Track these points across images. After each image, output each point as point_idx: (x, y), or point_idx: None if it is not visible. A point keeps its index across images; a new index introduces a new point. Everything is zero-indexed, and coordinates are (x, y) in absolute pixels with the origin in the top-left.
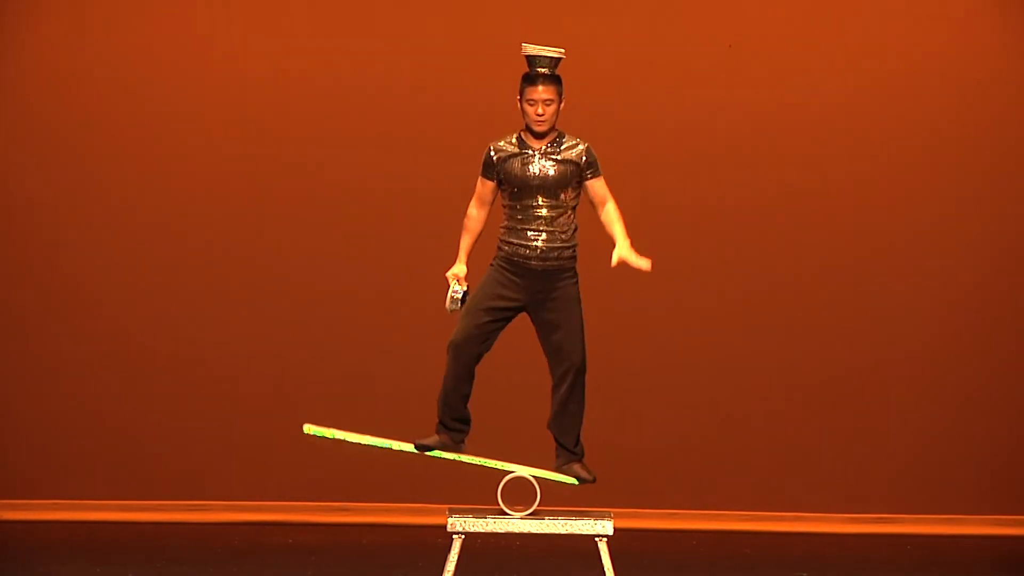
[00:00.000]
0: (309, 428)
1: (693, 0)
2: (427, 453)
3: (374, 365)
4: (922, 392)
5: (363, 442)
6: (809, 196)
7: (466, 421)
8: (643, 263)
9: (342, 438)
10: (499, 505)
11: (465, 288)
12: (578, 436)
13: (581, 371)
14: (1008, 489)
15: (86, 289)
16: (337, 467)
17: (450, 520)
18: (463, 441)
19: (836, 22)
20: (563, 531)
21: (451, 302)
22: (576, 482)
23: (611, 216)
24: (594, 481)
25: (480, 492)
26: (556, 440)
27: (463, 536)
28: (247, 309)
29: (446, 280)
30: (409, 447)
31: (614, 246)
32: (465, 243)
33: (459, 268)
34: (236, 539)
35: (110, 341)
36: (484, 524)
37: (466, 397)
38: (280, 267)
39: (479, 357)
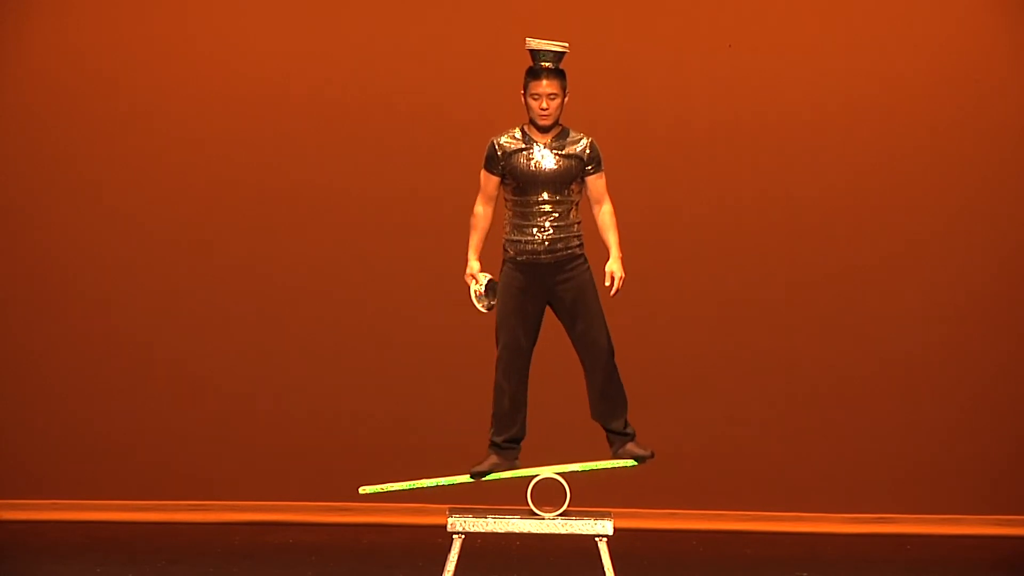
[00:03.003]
0: (364, 489)
1: (693, 0)
2: (484, 479)
3: (373, 366)
4: (922, 392)
5: (419, 486)
6: (808, 197)
7: (518, 440)
8: (614, 284)
9: (398, 488)
10: (529, 506)
11: (487, 280)
12: (626, 418)
13: (611, 354)
14: (1008, 489)
15: (86, 289)
16: (337, 467)
17: (450, 520)
18: (516, 458)
19: (837, 21)
20: (563, 531)
21: (477, 299)
22: (636, 463)
23: (606, 221)
24: (653, 457)
25: (480, 492)
26: (605, 428)
27: (463, 536)
28: (247, 310)
29: (466, 283)
30: (464, 478)
31: (607, 254)
32: (474, 241)
33: (473, 265)
34: (236, 539)
35: (110, 342)
36: (484, 524)
37: (523, 412)
38: (280, 269)
39: (528, 367)
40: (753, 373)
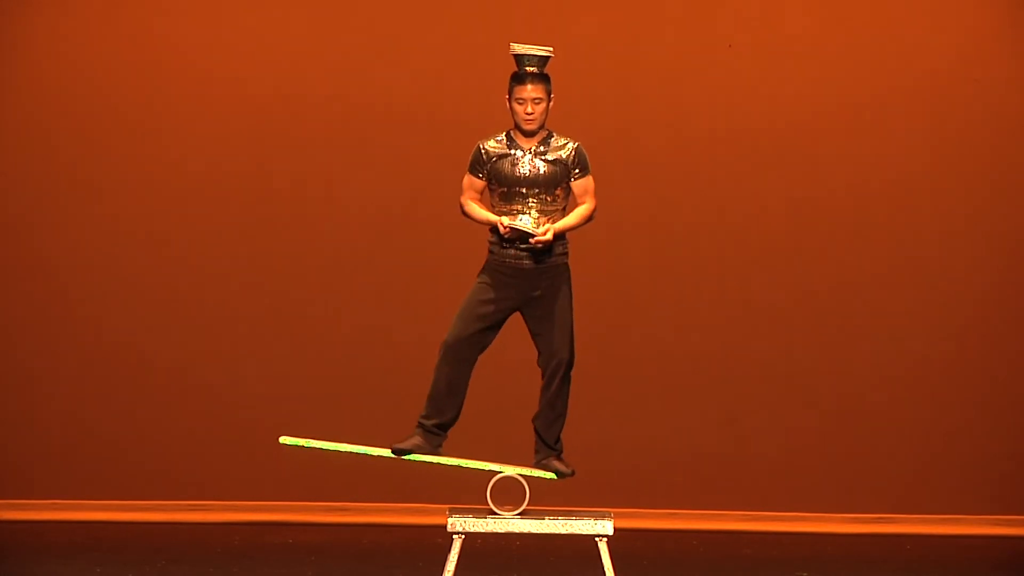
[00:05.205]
0: (285, 439)
1: None
2: (404, 457)
3: (371, 365)
4: (922, 392)
5: (339, 449)
6: (808, 197)
7: (446, 427)
8: (540, 235)
9: (317, 447)
10: (489, 505)
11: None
12: (559, 433)
13: (569, 367)
14: (1009, 489)
15: (85, 290)
16: (337, 467)
17: (450, 520)
18: (440, 445)
19: (837, 22)
20: (563, 531)
21: (526, 227)
22: (555, 477)
23: (577, 210)
24: (573, 475)
25: (480, 492)
26: (537, 435)
27: (463, 536)
28: (247, 310)
29: (508, 230)
30: (385, 452)
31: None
32: (478, 210)
33: (500, 219)
34: (236, 539)
35: (110, 342)
36: (484, 524)
37: (458, 402)
38: (276, 270)
39: (474, 360)
40: (753, 374)
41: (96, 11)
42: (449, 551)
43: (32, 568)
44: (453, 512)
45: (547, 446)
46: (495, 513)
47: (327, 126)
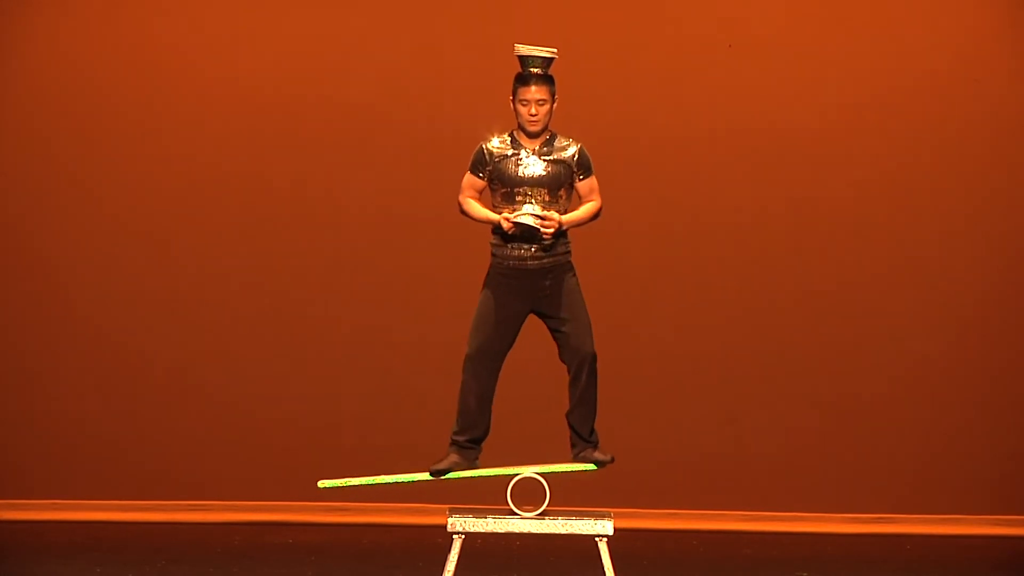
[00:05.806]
0: (323, 483)
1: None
2: (443, 477)
3: (371, 364)
4: (922, 392)
5: (378, 482)
6: (808, 197)
7: (479, 441)
8: (548, 226)
9: (357, 483)
10: (508, 506)
11: (526, 211)
12: (592, 425)
13: (593, 360)
14: (1009, 489)
15: (85, 291)
16: (337, 467)
17: (450, 520)
18: (476, 459)
19: (838, 21)
20: (563, 531)
21: (531, 219)
22: (595, 467)
23: (584, 206)
24: (612, 461)
25: (480, 492)
26: (572, 430)
27: (463, 536)
28: (246, 311)
29: (511, 225)
30: (423, 476)
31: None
32: (478, 208)
33: (498, 217)
34: (236, 539)
35: (110, 342)
36: (484, 524)
37: (487, 414)
38: (276, 270)
39: (497, 370)
40: (753, 374)
41: (96, 11)
42: (449, 551)
43: (32, 568)
44: (453, 512)
45: (583, 439)
46: (514, 513)
47: (327, 126)
